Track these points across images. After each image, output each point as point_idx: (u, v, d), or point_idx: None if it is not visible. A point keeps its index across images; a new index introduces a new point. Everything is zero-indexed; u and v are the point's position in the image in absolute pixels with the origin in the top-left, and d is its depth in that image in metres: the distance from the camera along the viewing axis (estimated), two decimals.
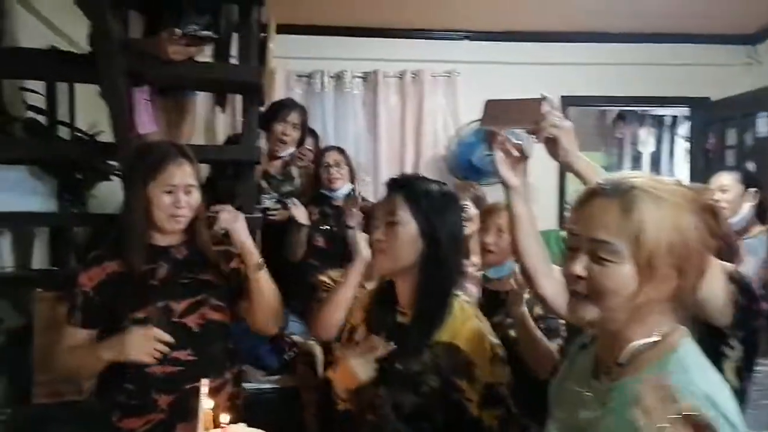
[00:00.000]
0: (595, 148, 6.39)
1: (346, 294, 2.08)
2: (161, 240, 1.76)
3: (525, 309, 1.98)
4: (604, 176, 1.13)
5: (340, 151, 3.33)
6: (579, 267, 1.01)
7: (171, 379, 1.68)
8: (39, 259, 2.82)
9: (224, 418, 1.17)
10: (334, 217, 3.19)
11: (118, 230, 1.73)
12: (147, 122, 2.02)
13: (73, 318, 1.70)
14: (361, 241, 2.08)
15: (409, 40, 4.37)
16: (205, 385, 1.26)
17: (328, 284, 2.30)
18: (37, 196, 2.41)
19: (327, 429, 2.13)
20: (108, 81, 1.84)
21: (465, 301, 1.53)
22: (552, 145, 1.46)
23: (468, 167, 4.18)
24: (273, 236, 2.91)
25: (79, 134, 2.69)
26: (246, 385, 2.51)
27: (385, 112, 4.39)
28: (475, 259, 2.39)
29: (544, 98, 1.47)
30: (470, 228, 2.52)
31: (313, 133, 3.63)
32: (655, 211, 0.96)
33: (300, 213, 2.97)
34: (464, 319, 1.45)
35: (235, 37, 2.30)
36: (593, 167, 1.49)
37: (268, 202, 3.09)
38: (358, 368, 1.45)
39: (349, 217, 2.94)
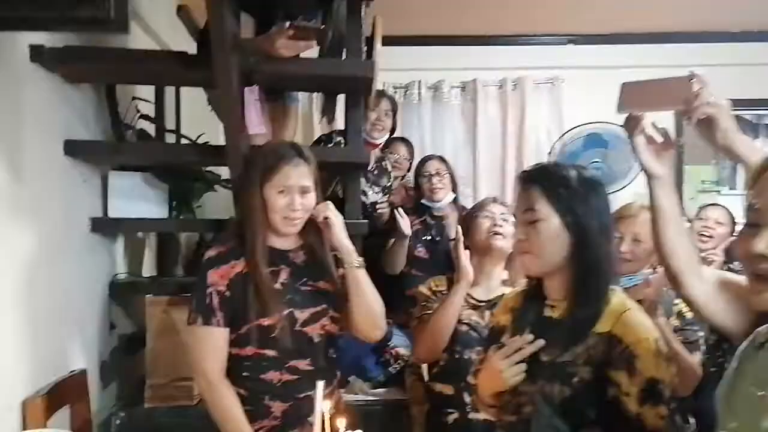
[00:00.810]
0: (704, 161, 5.97)
1: (447, 319, 2.03)
2: (279, 243, 1.73)
3: (663, 320, 1.82)
4: None
5: (442, 160, 3.24)
6: (762, 244, 0.88)
7: (287, 387, 1.65)
8: (148, 267, 2.88)
9: (341, 423, 1.14)
10: (437, 227, 3.10)
11: (238, 231, 1.70)
12: (256, 122, 2.00)
13: (214, 317, 1.63)
14: (465, 262, 1.98)
15: (510, 47, 4.23)
16: (320, 388, 1.22)
17: (428, 296, 2.21)
18: (150, 203, 2.44)
19: None
20: (222, 78, 1.83)
21: (625, 297, 1.40)
22: (706, 127, 1.32)
23: None
24: (374, 247, 2.84)
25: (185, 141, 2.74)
26: (352, 397, 2.47)
27: (485, 122, 4.25)
28: None
29: (693, 76, 1.33)
30: None
31: (407, 143, 3.57)
32: None
33: (405, 224, 2.87)
34: (624, 310, 1.32)
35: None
36: (757, 148, 1.33)
37: (373, 195, 3.02)
38: (505, 372, 1.35)
39: (450, 227, 2.85)
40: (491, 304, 2.08)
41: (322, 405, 1.22)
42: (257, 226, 1.65)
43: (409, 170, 3.43)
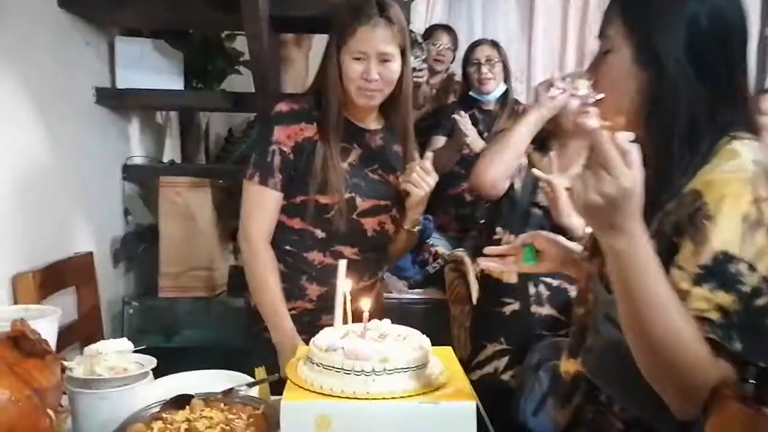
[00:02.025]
0: None
1: (520, 134, 1.74)
2: (356, 118, 1.54)
3: None
4: None
5: (494, 45, 2.86)
6: None
7: (326, 271, 1.51)
8: (170, 155, 2.68)
9: (365, 304, 1.00)
10: (485, 122, 2.79)
11: (315, 94, 1.50)
12: None
13: (271, 178, 1.47)
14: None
15: None
16: (343, 265, 1.08)
17: None
18: (163, 76, 2.18)
19: (479, 342, 1.88)
20: None
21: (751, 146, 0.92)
22: None
23: None
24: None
25: None
26: (386, 295, 2.26)
27: (543, 8, 3.83)
28: None
29: None
30: None
31: (449, 30, 3.19)
32: None
33: (468, 126, 2.54)
34: (728, 159, 0.88)
35: None
36: None
37: (414, 61, 2.70)
38: None
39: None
40: None
41: (344, 283, 1.06)
42: (333, 96, 1.47)
43: (452, 62, 3.10)
